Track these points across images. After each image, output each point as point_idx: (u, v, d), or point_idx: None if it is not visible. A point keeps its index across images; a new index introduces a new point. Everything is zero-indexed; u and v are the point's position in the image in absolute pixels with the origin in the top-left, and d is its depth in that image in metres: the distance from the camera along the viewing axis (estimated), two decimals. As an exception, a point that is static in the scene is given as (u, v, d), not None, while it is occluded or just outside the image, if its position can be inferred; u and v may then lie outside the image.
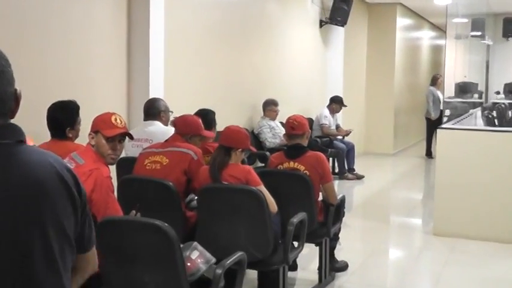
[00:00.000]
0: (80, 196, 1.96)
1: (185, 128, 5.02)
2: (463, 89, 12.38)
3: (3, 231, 1.77)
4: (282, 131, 9.25)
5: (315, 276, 5.64)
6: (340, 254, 6.11)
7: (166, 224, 3.39)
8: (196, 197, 4.87)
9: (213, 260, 3.68)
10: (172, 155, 4.82)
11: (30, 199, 1.81)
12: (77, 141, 4.84)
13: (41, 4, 5.71)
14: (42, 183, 1.84)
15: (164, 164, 4.78)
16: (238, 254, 3.77)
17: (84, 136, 4.69)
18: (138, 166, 4.91)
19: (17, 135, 1.87)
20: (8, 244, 1.77)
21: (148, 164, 4.83)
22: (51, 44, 5.78)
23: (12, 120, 1.89)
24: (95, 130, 3.93)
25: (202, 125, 5.20)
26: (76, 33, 6.16)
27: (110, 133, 3.87)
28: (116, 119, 3.95)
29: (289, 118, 5.47)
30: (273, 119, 9.51)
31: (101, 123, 3.94)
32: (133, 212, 4.06)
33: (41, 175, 1.85)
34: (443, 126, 8.16)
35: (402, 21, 15.29)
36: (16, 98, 1.90)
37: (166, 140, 5.06)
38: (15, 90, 1.89)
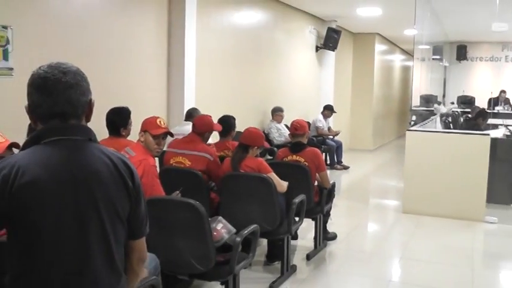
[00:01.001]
0: (133, 185, 1.96)
1: (202, 127, 4.98)
2: (426, 100, 12.30)
3: (67, 205, 1.78)
4: (286, 131, 9.28)
5: (311, 244, 5.67)
6: (330, 227, 6.11)
7: (197, 202, 3.39)
8: (213, 184, 4.86)
9: (234, 230, 3.68)
10: (192, 158, 4.78)
11: (88, 184, 1.83)
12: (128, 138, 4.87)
13: (103, 32, 5.73)
14: (98, 173, 1.86)
15: (187, 165, 4.77)
16: (253, 226, 3.78)
17: (134, 134, 4.72)
18: (166, 163, 4.91)
19: (86, 134, 1.90)
20: (69, 216, 1.78)
21: (174, 164, 4.81)
22: (110, 62, 5.79)
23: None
24: (144, 130, 3.96)
25: (216, 125, 5.20)
26: (128, 53, 6.18)
27: (156, 132, 3.91)
28: (160, 121, 3.98)
29: (293, 121, 5.49)
30: (279, 122, 9.50)
31: (149, 125, 3.96)
32: (177, 192, 4.07)
33: (98, 166, 1.87)
34: (411, 128, 8.12)
35: (379, 47, 15.21)
36: (90, 106, 1.93)
37: (183, 137, 5.05)
38: (90, 99, 1.90)
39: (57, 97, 1.83)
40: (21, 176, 1.72)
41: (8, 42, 4.61)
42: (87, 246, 1.81)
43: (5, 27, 4.58)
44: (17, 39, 4.67)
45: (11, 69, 4.65)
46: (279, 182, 4.57)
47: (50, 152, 1.80)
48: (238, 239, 3.56)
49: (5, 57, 4.60)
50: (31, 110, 1.87)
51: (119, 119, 4.76)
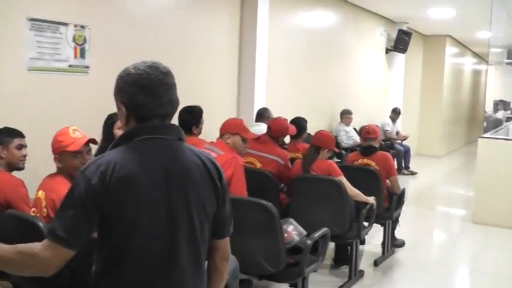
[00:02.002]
0: (221, 185, 1.97)
1: (278, 132, 5.04)
2: (498, 106, 11.97)
3: (161, 202, 1.81)
4: (355, 134, 9.26)
5: (378, 250, 5.64)
6: (398, 234, 6.02)
7: (270, 203, 3.43)
8: (282, 185, 4.87)
9: (304, 233, 3.70)
10: (264, 160, 4.84)
11: (181, 183, 1.85)
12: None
13: (176, 32, 5.87)
14: (190, 173, 1.88)
15: (257, 167, 4.82)
16: (324, 229, 3.77)
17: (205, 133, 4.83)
18: None
19: (177, 133, 1.92)
20: (162, 213, 1.81)
21: (246, 164, 4.85)
22: (182, 62, 5.94)
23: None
24: (235, 132, 4.08)
25: (291, 128, 5.23)
26: (201, 53, 6.32)
27: (248, 136, 4.12)
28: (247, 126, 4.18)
29: (365, 126, 5.53)
30: (348, 125, 9.46)
31: (241, 128, 4.15)
32: None
33: (190, 165, 1.89)
34: (484, 135, 7.90)
35: (450, 50, 14.87)
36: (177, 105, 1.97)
37: (257, 138, 5.05)
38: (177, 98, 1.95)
39: (161, 98, 1.86)
40: (118, 172, 1.75)
41: (85, 41, 4.80)
42: (177, 244, 1.84)
43: (83, 27, 4.76)
44: (93, 38, 4.86)
45: (87, 67, 4.83)
46: (349, 187, 4.56)
47: (144, 149, 1.84)
48: (309, 241, 3.56)
49: (82, 55, 4.79)
50: (131, 109, 1.87)
51: (191, 117, 4.85)
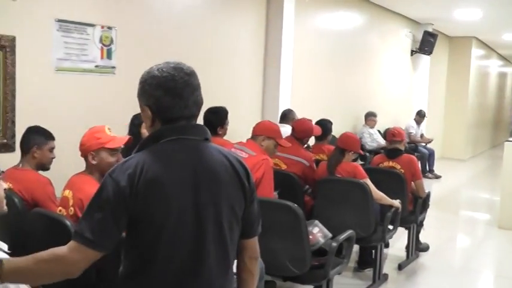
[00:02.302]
0: (249, 185, 1.96)
1: (302, 133, 5.03)
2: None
3: (188, 204, 1.80)
4: (379, 137, 9.23)
5: (401, 253, 5.61)
6: (422, 238, 5.98)
7: (295, 205, 3.44)
8: (307, 187, 4.88)
9: (330, 235, 3.70)
10: (289, 162, 4.84)
11: (208, 184, 1.84)
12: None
13: (202, 32, 5.91)
14: (217, 174, 1.87)
15: (283, 168, 4.82)
16: (349, 232, 3.77)
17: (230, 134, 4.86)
18: None
19: (203, 134, 1.92)
20: (190, 215, 1.80)
21: None
22: (208, 62, 5.97)
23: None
24: (271, 136, 4.15)
25: (316, 128, 5.23)
26: (226, 54, 6.37)
27: (282, 143, 4.21)
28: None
29: (391, 128, 5.52)
30: (372, 127, 9.46)
31: (277, 133, 4.22)
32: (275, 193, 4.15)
33: (217, 166, 1.88)
34: (510, 139, 7.81)
35: (476, 52, 14.74)
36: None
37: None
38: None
39: (187, 100, 1.85)
40: (145, 175, 1.75)
41: (112, 42, 4.86)
42: (204, 246, 1.83)
43: (110, 28, 4.83)
44: (120, 39, 4.91)
45: (114, 67, 4.89)
46: (374, 190, 4.55)
47: (171, 151, 1.83)
48: (334, 244, 3.57)
49: (109, 56, 4.85)
50: (157, 111, 1.86)
51: (216, 118, 4.87)
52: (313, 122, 5.38)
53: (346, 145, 4.68)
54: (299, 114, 6.09)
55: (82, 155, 3.16)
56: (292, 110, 6.35)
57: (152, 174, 1.76)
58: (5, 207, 2.04)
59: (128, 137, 3.21)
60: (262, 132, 4.17)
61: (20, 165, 3.62)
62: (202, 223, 1.83)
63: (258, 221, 2.08)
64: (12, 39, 4.12)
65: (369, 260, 5.03)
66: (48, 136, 3.71)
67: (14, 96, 4.17)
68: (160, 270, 1.81)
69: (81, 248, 1.75)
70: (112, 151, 3.10)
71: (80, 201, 2.97)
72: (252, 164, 3.84)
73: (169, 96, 1.83)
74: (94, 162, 3.09)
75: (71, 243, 1.76)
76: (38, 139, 3.65)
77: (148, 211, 1.77)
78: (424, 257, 5.80)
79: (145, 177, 1.75)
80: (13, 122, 4.19)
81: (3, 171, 2.04)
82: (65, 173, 3.39)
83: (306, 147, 5.33)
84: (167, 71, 1.85)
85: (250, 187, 1.97)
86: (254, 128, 4.28)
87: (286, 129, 5.19)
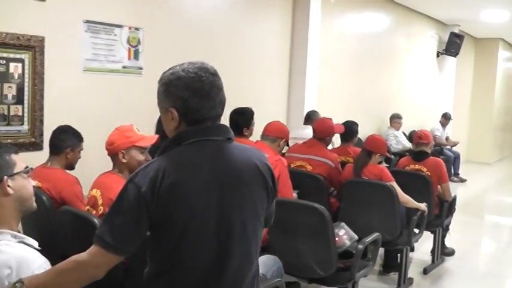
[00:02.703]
0: (273, 184, 1.97)
1: (323, 133, 5.01)
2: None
3: (212, 206, 1.80)
4: (404, 139, 9.18)
5: (426, 257, 5.59)
6: (448, 242, 5.93)
7: (322, 207, 3.44)
8: (332, 188, 4.88)
9: (356, 237, 3.69)
10: (314, 163, 4.84)
11: (232, 185, 1.84)
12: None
13: (228, 34, 5.95)
14: (241, 174, 1.86)
15: (309, 169, 4.83)
16: (376, 235, 3.77)
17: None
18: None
19: (226, 134, 1.90)
20: (214, 217, 1.80)
21: (296, 167, 4.87)
22: (234, 63, 6.02)
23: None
24: (283, 137, 4.31)
25: (337, 127, 5.22)
26: (252, 55, 6.41)
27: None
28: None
29: (418, 131, 5.50)
30: (397, 129, 9.41)
31: (288, 134, 4.36)
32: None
33: (240, 166, 1.87)
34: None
35: (503, 54, 14.58)
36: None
37: (304, 142, 5.12)
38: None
39: (214, 101, 1.85)
40: (167, 179, 1.75)
41: (139, 43, 4.91)
42: (229, 246, 1.83)
43: (137, 29, 4.88)
44: (147, 40, 4.96)
45: (141, 68, 4.94)
46: (400, 193, 4.53)
47: (193, 153, 1.82)
48: (360, 246, 3.57)
49: (136, 57, 4.91)
50: (184, 113, 1.84)
51: (242, 119, 4.86)
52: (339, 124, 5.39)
53: (373, 147, 4.67)
54: (324, 116, 6.09)
55: (110, 154, 3.18)
56: (316, 112, 6.35)
57: (173, 179, 1.76)
58: (34, 205, 2.07)
59: (157, 136, 3.24)
60: (278, 133, 4.28)
61: (49, 163, 3.67)
62: (227, 224, 1.82)
63: (272, 215, 2.12)
64: (42, 40, 4.19)
65: (394, 264, 5.01)
66: (81, 139, 3.78)
67: (42, 95, 4.24)
68: (185, 271, 1.82)
69: (102, 252, 1.77)
70: (142, 149, 3.14)
71: (110, 200, 2.97)
72: None
73: (198, 97, 1.82)
74: (124, 160, 3.11)
75: (92, 247, 1.78)
76: (72, 141, 3.71)
77: (170, 216, 1.77)
78: (449, 261, 5.76)
79: (167, 181, 1.75)
80: (41, 121, 4.26)
81: (32, 169, 2.08)
82: (90, 172, 3.44)
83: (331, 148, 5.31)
84: (193, 72, 1.83)
85: (274, 187, 1.97)
86: (266, 128, 4.38)
87: (309, 131, 5.19)
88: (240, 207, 1.85)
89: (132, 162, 3.11)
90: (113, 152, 3.16)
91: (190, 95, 1.82)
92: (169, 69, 1.89)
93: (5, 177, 1.92)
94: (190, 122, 1.84)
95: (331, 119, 5.24)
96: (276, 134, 4.30)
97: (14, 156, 1.99)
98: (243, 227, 1.86)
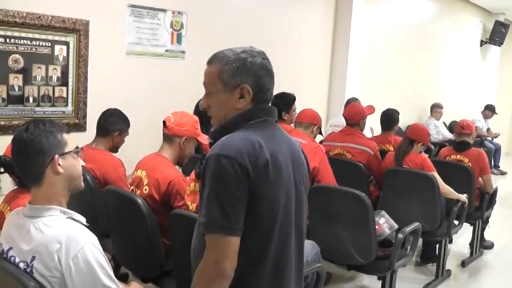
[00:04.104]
0: (308, 169, 2.03)
1: (354, 118, 4.99)
2: None
3: (292, 183, 1.85)
4: (444, 129, 9.12)
5: (465, 250, 5.56)
6: (486, 235, 5.87)
7: (363, 194, 3.47)
8: (371, 177, 4.89)
9: (396, 226, 3.70)
10: (353, 151, 4.83)
11: (298, 163, 1.91)
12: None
13: (271, 21, 6.00)
14: (299, 154, 1.96)
15: (348, 157, 4.83)
16: (416, 224, 3.75)
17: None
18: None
19: (276, 116, 1.94)
20: (293, 193, 1.85)
21: (335, 155, 4.86)
22: (276, 50, 5.96)
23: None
24: (317, 123, 4.32)
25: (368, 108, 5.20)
26: (295, 43, 6.49)
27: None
28: None
29: (460, 120, 5.40)
30: (438, 119, 9.35)
31: (320, 120, 4.36)
32: None
33: (298, 149, 1.97)
34: None
35: (549, 44, 14.25)
36: None
37: (341, 130, 5.14)
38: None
39: (274, 81, 1.92)
40: (264, 153, 1.74)
41: (182, 27, 4.98)
42: (300, 223, 1.92)
43: (180, 13, 4.95)
44: (190, 24, 5.03)
45: (183, 52, 5.01)
46: (441, 183, 4.51)
47: (270, 130, 1.86)
48: (400, 235, 3.57)
49: (179, 41, 4.99)
50: (256, 92, 1.85)
51: (282, 103, 4.88)
52: (381, 112, 5.38)
53: (416, 136, 4.65)
54: (365, 104, 6.09)
55: (170, 133, 3.16)
56: (357, 99, 6.34)
57: (271, 152, 1.76)
58: (82, 184, 2.13)
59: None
60: (311, 120, 4.32)
61: (94, 144, 3.77)
62: (300, 203, 1.90)
63: None
64: (86, 23, 4.30)
65: (432, 255, 5.01)
66: (129, 124, 3.88)
67: (86, 78, 4.36)
68: (272, 240, 1.80)
69: (222, 239, 1.69)
70: (196, 144, 3.22)
71: (156, 181, 3.06)
72: (306, 152, 3.90)
73: (269, 77, 1.88)
74: (182, 146, 3.16)
75: (209, 242, 1.72)
76: (121, 125, 3.82)
77: (268, 188, 1.75)
78: (488, 255, 5.71)
79: (265, 155, 1.74)
80: (85, 103, 4.37)
81: (81, 149, 2.13)
82: (130, 154, 3.53)
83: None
84: (257, 53, 1.89)
85: (309, 171, 2.05)
86: (299, 116, 4.41)
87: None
88: (303, 184, 1.93)
89: (186, 151, 3.18)
90: (177, 133, 3.16)
91: (265, 74, 1.87)
92: (228, 49, 1.89)
93: (57, 156, 1.97)
94: (259, 101, 1.87)
95: (359, 102, 5.25)
96: (308, 120, 4.32)
97: (65, 136, 2.03)
98: (305, 204, 1.96)
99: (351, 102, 6.16)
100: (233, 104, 1.86)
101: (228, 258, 1.69)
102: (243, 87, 1.84)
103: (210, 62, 1.91)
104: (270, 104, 1.93)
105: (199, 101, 4.35)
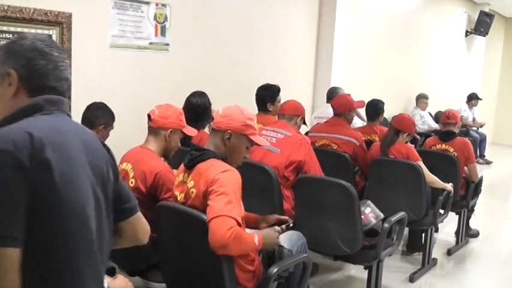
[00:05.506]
0: (113, 161, 1.80)
1: (341, 108, 4.98)
2: None
3: None
4: (430, 119, 9.17)
5: (451, 238, 5.64)
6: (472, 224, 5.95)
7: (349, 184, 3.49)
8: (357, 167, 4.92)
9: (382, 216, 3.73)
10: (338, 141, 4.85)
11: (98, 161, 1.67)
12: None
13: (255, 13, 5.96)
14: (99, 151, 1.74)
15: (334, 148, 4.84)
16: (401, 214, 3.78)
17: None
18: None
19: (65, 109, 1.76)
20: None
21: (321, 146, 4.88)
22: (260, 43, 6.03)
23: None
24: (300, 114, 4.26)
25: (357, 102, 5.16)
26: (279, 35, 6.42)
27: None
28: None
29: (446, 110, 5.47)
30: (423, 109, 9.41)
31: (304, 111, 4.33)
32: None
33: (97, 144, 1.77)
34: None
35: (534, 34, 14.39)
36: None
37: (326, 121, 5.13)
38: None
39: (61, 67, 1.74)
40: (45, 145, 1.46)
41: (166, 19, 4.96)
42: (99, 229, 1.67)
43: (164, 5, 4.93)
44: (174, 16, 5.01)
45: (168, 44, 4.99)
46: (427, 173, 4.55)
47: (57, 124, 1.61)
48: (386, 225, 3.60)
49: (163, 33, 4.96)
50: (28, 77, 1.61)
51: (266, 93, 4.94)
52: (366, 103, 5.40)
53: (402, 126, 4.69)
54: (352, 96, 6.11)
55: (155, 126, 3.19)
56: (338, 88, 6.25)
57: (56, 146, 1.52)
58: None
59: (196, 131, 3.31)
60: (294, 111, 4.27)
61: (77, 138, 3.74)
62: (98, 200, 1.65)
63: None
64: (69, 16, 4.25)
65: (418, 244, 5.06)
66: (113, 118, 3.87)
67: (69, 71, 4.30)
68: None
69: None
70: (181, 136, 3.24)
71: (142, 173, 3.07)
72: (291, 144, 3.94)
73: (46, 60, 1.64)
74: (167, 139, 3.18)
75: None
76: (106, 119, 3.81)
77: (55, 189, 1.48)
78: (474, 243, 5.78)
79: (48, 148, 1.48)
80: (69, 97, 4.32)
81: None
82: (117, 147, 3.50)
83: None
84: (33, 37, 1.66)
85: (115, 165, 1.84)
86: (282, 107, 4.37)
87: (331, 110, 5.19)
88: (106, 184, 1.69)
89: (172, 144, 3.19)
90: (162, 126, 3.19)
91: (38, 57, 1.64)
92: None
93: None
94: (35, 88, 1.64)
95: (349, 94, 5.26)
96: (291, 112, 4.27)
97: None
98: (107, 205, 1.70)
99: (333, 91, 6.15)
100: (2, 93, 1.60)
101: (6, 275, 1.36)
102: (9, 72, 1.59)
103: None
104: (62, 93, 1.72)
105: (188, 97, 4.36)
